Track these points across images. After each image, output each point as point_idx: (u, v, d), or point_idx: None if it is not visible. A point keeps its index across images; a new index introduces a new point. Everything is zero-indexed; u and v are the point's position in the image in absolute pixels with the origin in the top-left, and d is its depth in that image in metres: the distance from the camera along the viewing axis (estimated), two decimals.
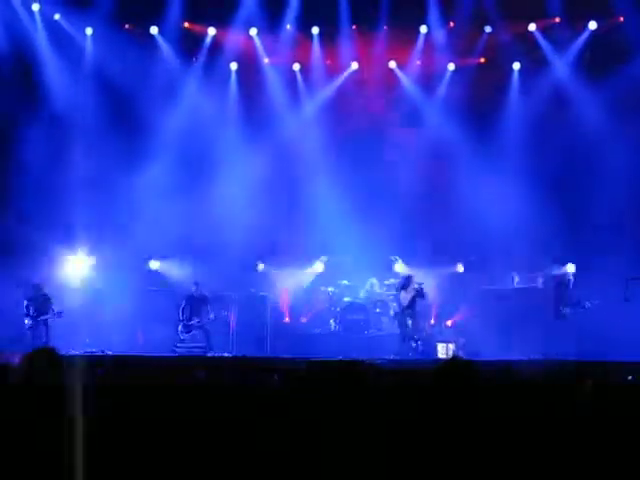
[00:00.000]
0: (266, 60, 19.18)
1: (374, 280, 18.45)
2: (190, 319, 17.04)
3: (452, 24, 18.46)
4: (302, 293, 18.64)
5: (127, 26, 18.51)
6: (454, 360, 3.99)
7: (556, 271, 17.21)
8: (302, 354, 14.62)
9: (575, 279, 16.58)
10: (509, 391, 5.89)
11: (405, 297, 15.97)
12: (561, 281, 16.44)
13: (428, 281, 17.61)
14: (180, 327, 17.04)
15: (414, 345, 15.67)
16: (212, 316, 16.99)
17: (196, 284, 17.11)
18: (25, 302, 16.06)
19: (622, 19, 17.62)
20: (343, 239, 18.00)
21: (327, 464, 4.60)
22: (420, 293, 16.03)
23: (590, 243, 17.01)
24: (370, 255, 18.11)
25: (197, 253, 17.99)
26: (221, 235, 17.93)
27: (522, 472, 3.93)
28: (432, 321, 18.14)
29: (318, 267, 18.84)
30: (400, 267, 18.55)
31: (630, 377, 7.78)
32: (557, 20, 18.09)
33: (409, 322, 16.14)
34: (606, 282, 16.06)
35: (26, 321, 15.96)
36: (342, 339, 17.18)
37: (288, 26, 18.64)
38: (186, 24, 18.68)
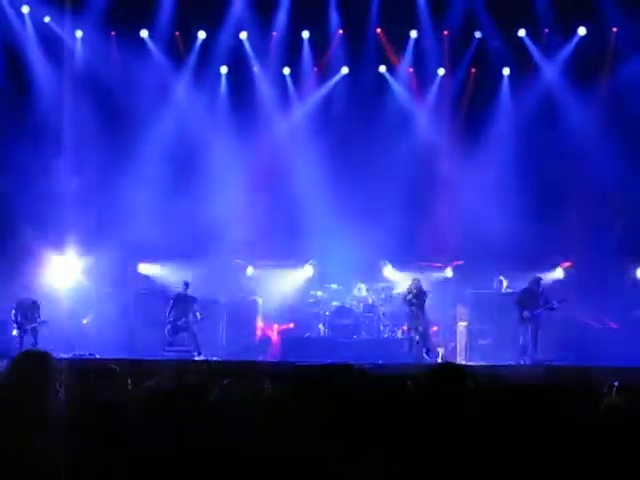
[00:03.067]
0: (256, 65, 19.16)
1: (362, 285, 18.40)
2: (177, 319, 16.91)
3: (445, 32, 18.62)
4: (290, 297, 18.63)
5: (116, 32, 18.48)
6: (446, 365, 4.05)
7: (543, 275, 17.14)
8: (290, 358, 14.73)
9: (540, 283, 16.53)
10: (500, 396, 6.11)
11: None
12: (528, 285, 16.38)
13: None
14: (168, 328, 16.87)
15: (425, 353, 15.86)
16: (199, 316, 16.88)
17: (185, 284, 17.01)
18: (13, 310, 15.98)
19: (615, 29, 17.89)
20: (332, 243, 17.98)
21: (314, 468, 4.49)
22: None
23: (579, 246, 17.21)
24: (359, 259, 18.04)
25: (187, 256, 17.91)
26: (210, 238, 17.90)
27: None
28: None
29: (307, 271, 18.79)
30: (389, 271, 18.64)
31: (616, 382, 7.83)
32: (546, 27, 18.21)
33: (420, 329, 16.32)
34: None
35: (14, 330, 15.91)
36: (331, 343, 17.13)
37: (274, 33, 18.73)
38: (176, 33, 18.80)
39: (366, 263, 18.32)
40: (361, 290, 18.35)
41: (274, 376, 7.94)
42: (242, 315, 17.90)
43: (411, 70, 19.21)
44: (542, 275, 16.90)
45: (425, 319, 16.63)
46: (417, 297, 16.60)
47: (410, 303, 16.62)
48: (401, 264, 18.44)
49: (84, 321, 17.57)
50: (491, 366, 13.35)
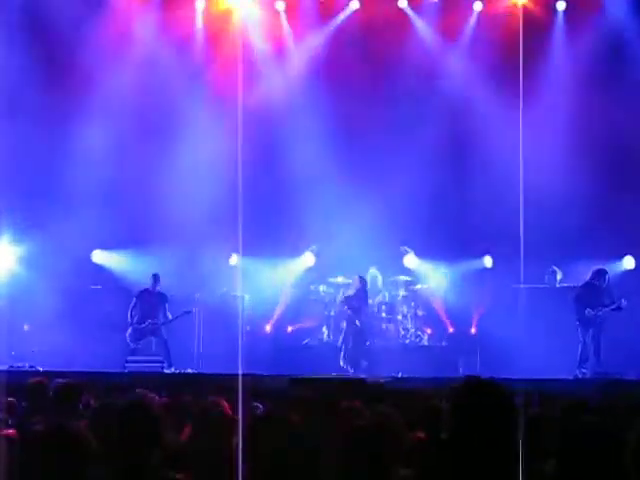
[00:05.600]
0: None
1: (375, 271, 18.43)
2: (142, 322, 16.92)
3: None
4: (285, 293, 18.73)
5: None
6: (472, 379, 4.02)
7: (608, 266, 17.15)
8: (286, 370, 14.55)
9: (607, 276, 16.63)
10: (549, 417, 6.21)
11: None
12: (590, 279, 16.48)
13: (445, 278, 18.41)
14: (129, 332, 16.90)
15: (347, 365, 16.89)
16: (170, 316, 16.90)
17: (154, 277, 17.02)
18: None
19: None
20: (338, 225, 18.06)
21: None
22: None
23: None
24: (372, 245, 18.05)
25: (153, 243, 18.00)
26: (184, 220, 17.96)
27: None
28: (450, 329, 18.45)
29: (307, 259, 18.75)
30: (412, 261, 18.62)
31: None
32: None
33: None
34: None
35: None
36: (337, 352, 17.24)
37: None
38: None
39: (381, 250, 18.32)
40: (376, 279, 18.34)
41: (265, 393, 8.90)
42: (223, 316, 17.84)
43: (439, 3, 19.10)
44: (607, 267, 16.88)
45: (360, 328, 17.15)
46: (357, 298, 17.24)
47: (346, 302, 17.23)
48: (427, 251, 18.42)
49: (25, 327, 17.59)
50: (540, 380, 13.15)
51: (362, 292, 17.38)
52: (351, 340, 17.07)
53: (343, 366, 16.90)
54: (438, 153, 18.44)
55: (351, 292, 17.41)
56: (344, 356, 16.98)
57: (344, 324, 17.32)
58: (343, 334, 17.20)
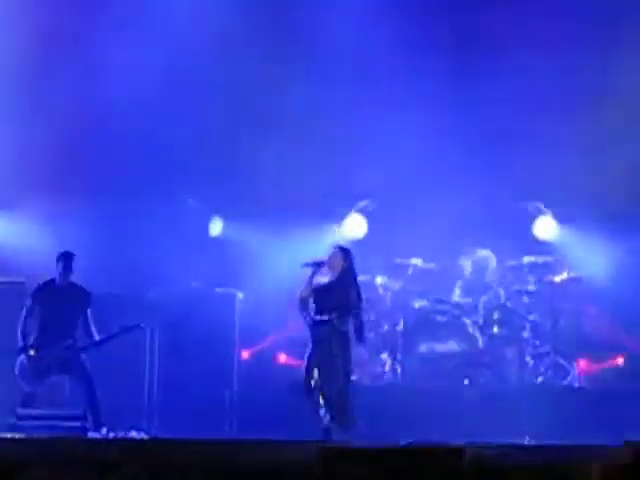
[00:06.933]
0: None
1: (487, 253, 18.36)
2: (45, 344, 15.50)
3: None
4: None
5: None
6: None
7: None
8: (312, 433, 13.94)
9: None
10: None
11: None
12: None
13: (610, 261, 18.12)
14: (21, 363, 15.58)
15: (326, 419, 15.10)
16: (96, 336, 15.52)
17: (64, 258, 15.62)
18: None
19: None
20: (409, 166, 17.93)
21: None
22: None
23: None
24: (472, 200, 18.20)
25: (75, 195, 18.10)
26: (125, 157, 18.33)
27: None
28: (619, 359, 18.30)
29: (354, 226, 19.06)
30: (548, 228, 18.71)
31: None
32: None
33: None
34: None
35: None
36: (409, 396, 16.87)
37: None
38: None
39: (488, 209, 18.52)
40: (485, 267, 18.36)
41: (274, 474, 9.57)
42: (200, 328, 17.65)
43: None
44: None
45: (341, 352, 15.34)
46: (338, 287, 15.58)
47: (303, 305, 15.74)
48: (576, 212, 18.27)
49: None
50: None
51: (346, 276, 15.26)
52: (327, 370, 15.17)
53: None
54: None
55: (323, 278, 15.35)
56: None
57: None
58: (308, 358, 15.19)
